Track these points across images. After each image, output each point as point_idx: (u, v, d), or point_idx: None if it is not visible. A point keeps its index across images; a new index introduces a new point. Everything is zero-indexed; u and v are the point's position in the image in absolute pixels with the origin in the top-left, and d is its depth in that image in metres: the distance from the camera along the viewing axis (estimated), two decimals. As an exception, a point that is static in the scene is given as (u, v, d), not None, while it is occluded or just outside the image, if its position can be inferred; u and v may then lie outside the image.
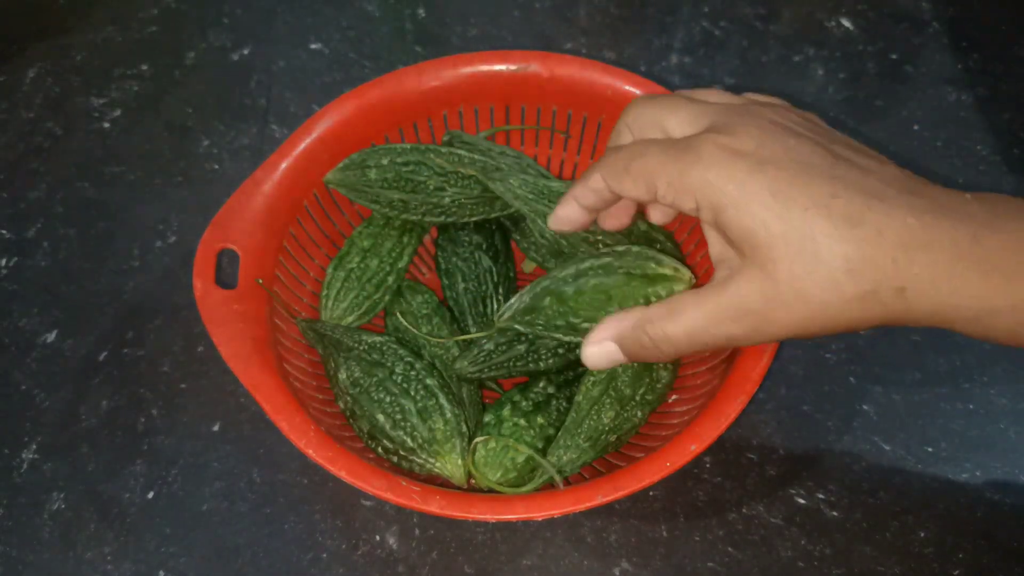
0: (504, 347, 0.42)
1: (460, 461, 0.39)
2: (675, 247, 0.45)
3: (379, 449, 0.40)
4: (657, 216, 0.41)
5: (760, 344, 0.32)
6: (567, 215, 0.38)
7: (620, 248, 0.38)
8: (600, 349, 0.35)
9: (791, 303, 0.30)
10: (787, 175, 0.30)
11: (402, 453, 0.39)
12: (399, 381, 0.40)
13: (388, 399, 0.40)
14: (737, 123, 0.32)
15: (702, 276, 0.47)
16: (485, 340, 0.43)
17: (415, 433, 0.39)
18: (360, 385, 0.41)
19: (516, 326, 0.39)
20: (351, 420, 0.41)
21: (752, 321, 0.31)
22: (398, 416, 0.39)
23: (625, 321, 0.35)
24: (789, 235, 0.29)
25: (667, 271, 0.36)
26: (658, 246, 0.43)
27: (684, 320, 0.32)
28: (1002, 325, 0.29)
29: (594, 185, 0.35)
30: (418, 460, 0.39)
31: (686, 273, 0.36)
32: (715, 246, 0.34)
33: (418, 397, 0.40)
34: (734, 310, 0.31)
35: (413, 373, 0.41)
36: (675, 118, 0.34)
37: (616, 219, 0.40)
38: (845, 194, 0.29)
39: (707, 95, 0.36)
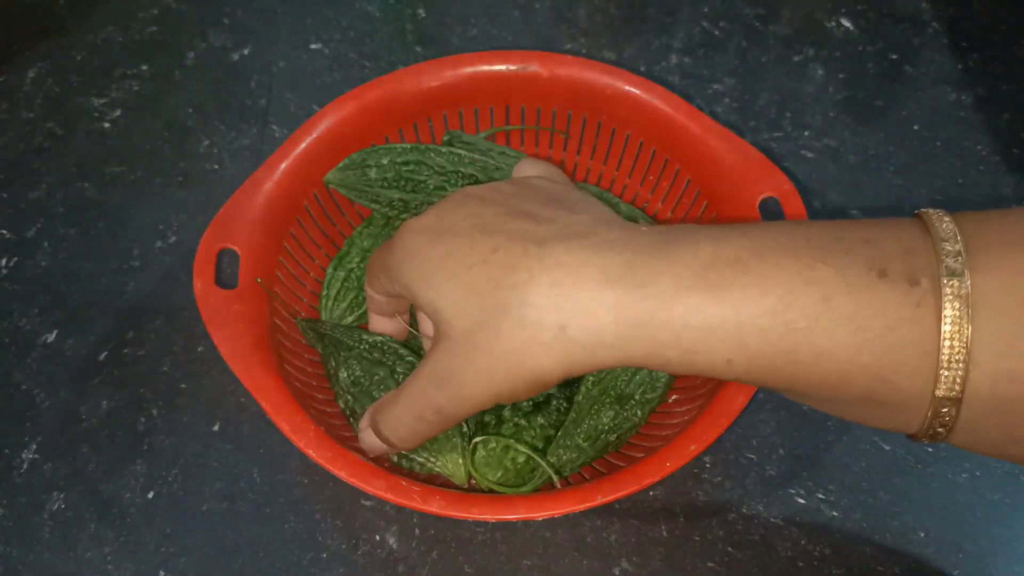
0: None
1: (461, 460, 0.39)
2: None
3: None
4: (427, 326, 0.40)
5: (471, 412, 0.31)
6: (383, 330, 0.42)
7: None
8: (367, 437, 0.37)
9: (474, 360, 0.29)
10: (459, 240, 0.30)
11: (403, 452, 0.39)
12: (400, 380, 0.40)
13: None
14: (442, 200, 0.33)
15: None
16: None
17: None
18: (360, 384, 0.40)
19: None
20: (351, 419, 0.41)
21: (448, 387, 0.30)
22: None
23: (371, 408, 0.36)
24: (457, 294, 0.29)
25: None
26: None
27: (403, 397, 0.33)
28: (673, 357, 0.28)
29: (368, 292, 0.39)
30: (419, 459, 0.39)
31: None
32: (427, 328, 0.36)
33: None
34: (432, 377, 0.31)
35: None
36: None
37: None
38: (505, 245, 0.29)
39: None
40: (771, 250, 0.27)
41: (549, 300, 0.28)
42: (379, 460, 0.39)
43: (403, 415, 0.33)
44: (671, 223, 0.49)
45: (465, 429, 0.40)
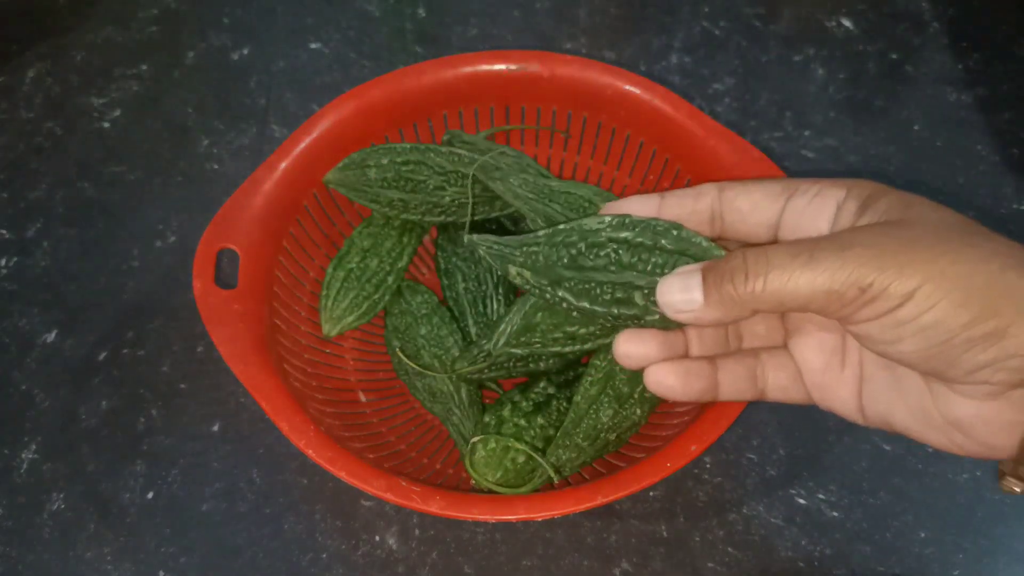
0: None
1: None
2: None
3: None
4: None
5: (868, 315, 0.26)
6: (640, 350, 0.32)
7: None
8: (682, 281, 0.29)
9: (930, 244, 0.26)
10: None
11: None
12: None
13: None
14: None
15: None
16: (485, 341, 0.43)
17: None
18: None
19: (513, 350, 0.39)
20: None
21: (856, 257, 0.26)
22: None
23: (732, 261, 0.28)
24: (945, 223, 0.26)
25: None
26: None
27: (795, 249, 0.27)
28: None
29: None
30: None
31: None
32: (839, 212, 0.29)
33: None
34: (838, 248, 0.26)
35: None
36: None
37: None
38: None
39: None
40: None
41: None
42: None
43: (787, 260, 0.27)
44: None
45: (464, 430, 0.40)
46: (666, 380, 0.31)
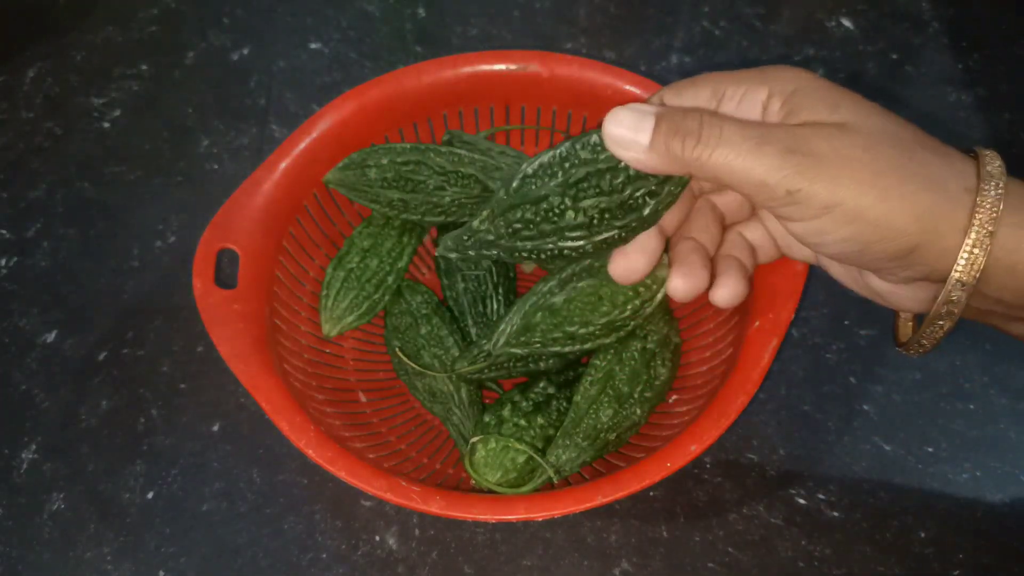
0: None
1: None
2: None
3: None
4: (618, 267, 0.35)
5: (797, 224, 0.29)
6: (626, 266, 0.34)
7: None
8: (634, 117, 0.29)
9: (862, 160, 0.28)
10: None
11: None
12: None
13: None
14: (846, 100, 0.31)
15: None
16: (485, 341, 0.43)
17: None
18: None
19: (513, 350, 0.39)
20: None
21: (811, 165, 0.28)
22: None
23: (682, 113, 0.30)
24: (872, 124, 0.28)
25: None
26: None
27: (748, 132, 0.28)
28: None
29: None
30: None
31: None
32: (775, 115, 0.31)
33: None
34: (795, 144, 0.28)
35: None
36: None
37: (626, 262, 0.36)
38: (924, 141, 0.29)
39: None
40: None
41: (956, 205, 0.28)
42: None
43: (735, 153, 0.28)
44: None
45: (464, 430, 0.40)
46: (736, 291, 0.34)
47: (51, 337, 0.50)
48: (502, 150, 0.47)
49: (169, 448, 0.46)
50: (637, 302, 0.37)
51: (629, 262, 0.34)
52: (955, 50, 0.61)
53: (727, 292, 0.34)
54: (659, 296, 0.37)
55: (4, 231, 0.54)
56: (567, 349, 0.38)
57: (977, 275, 0.28)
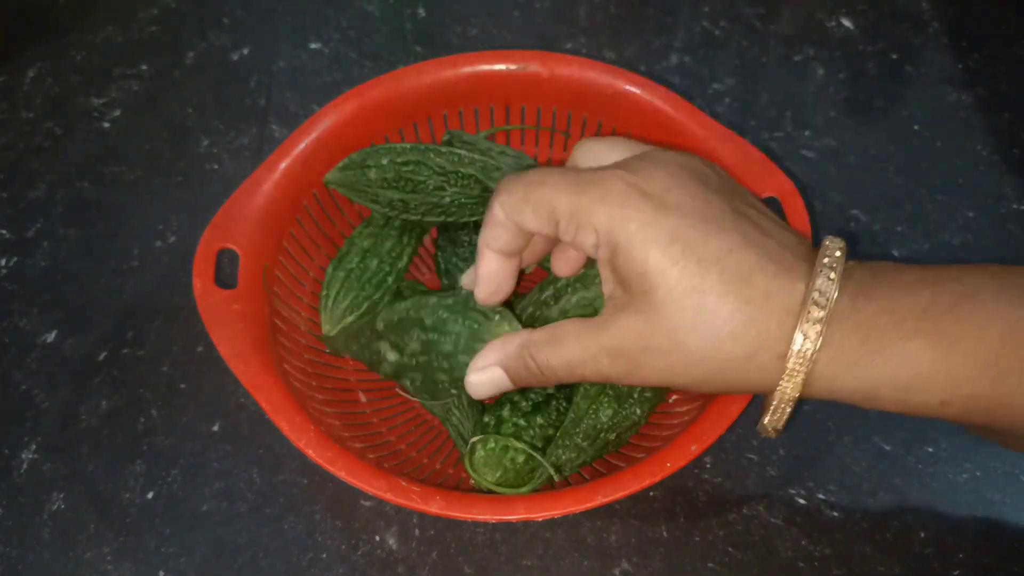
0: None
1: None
2: None
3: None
4: (560, 266, 0.38)
5: (634, 385, 0.32)
6: (489, 271, 0.35)
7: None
8: (485, 376, 0.34)
9: (667, 351, 0.30)
10: (689, 223, 0.29)
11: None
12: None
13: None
14: (648, 163, 0.31)
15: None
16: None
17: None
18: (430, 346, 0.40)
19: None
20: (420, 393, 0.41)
21: (625, 363, 0.31)
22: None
23: (510, 345, 0.34)
24: (680, 283, 0.29)
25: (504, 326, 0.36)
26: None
27: (564, 351, 0.32)
28: (885, 396, 0.29)
29: (497, 218, 0.33)
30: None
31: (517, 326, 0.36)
32: (608, 284, 0.33)
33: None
34: (611, 348, 0.31)
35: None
36: (613, 155, 0.34)
37: (566, 264, 0.38)
38: (740, 251, 0.29)
39: (622, 139, 0.35)
40: (983, 301, 0.28)
41: (777, 326, 0.28)
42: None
43: (559, 366, 0.32)
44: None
45: (463, 431, 0.40)
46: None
47: (51, 337, 0.50)
48: (502, 150, 0.47)
49: (169, 448, 0.46)
50: None
51: (492, 265, 0.35)
52: (955, 50, 0.61)
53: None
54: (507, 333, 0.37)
55: (4, 231, 0.54)
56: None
57: (796, 396, 0.30)
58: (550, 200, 0.31)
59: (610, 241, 0.30)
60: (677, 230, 0.29)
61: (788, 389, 0.29)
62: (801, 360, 0.28)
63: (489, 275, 0.35)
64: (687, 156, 0.33)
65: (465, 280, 0.39)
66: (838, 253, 0.29)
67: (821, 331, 0.28)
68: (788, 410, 0.30)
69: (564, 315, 0.37)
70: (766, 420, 0.32)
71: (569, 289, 0.38)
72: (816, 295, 0.28)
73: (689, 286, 0.29)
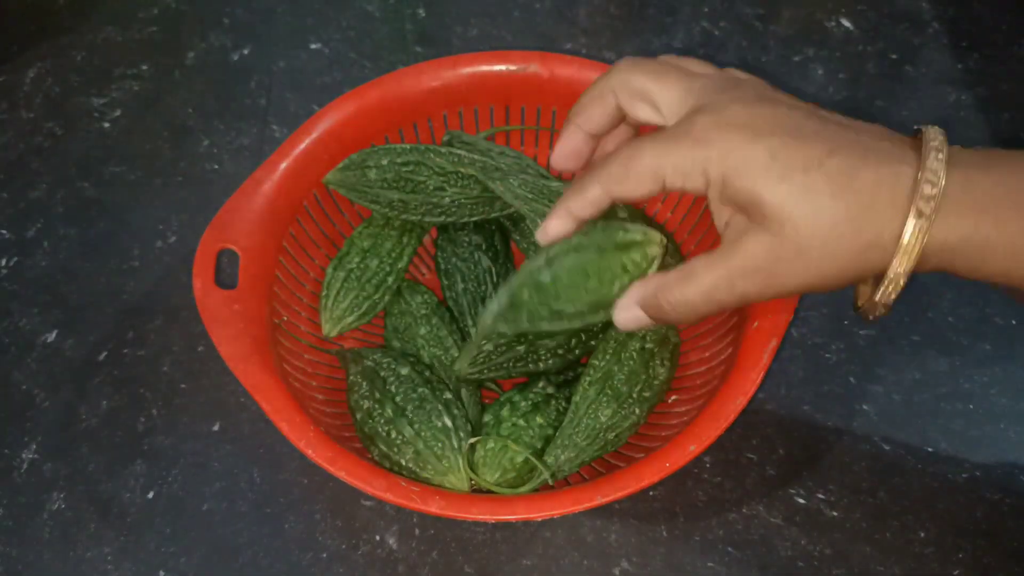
0: (503, 348, 0.42)
1: (463, 474, 0.39)
2: (675, 249, 0.45)
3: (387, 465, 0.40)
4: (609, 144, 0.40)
5: (772, 299, 0.34)
6: (558, 229, 0.37)
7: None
8: (628, 314, 0.36)
9: (796, 258, 0.31)
10: (782, 141, 0.31)
11: (408, 470, 0.40)
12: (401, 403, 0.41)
13: (392, 431, 0.40)
14: (725, 100, 0.33)
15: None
16: (485, 341, 0.43)
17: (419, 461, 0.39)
18: (401, 411, 0.41)
19: (500, 328, 0.38)
20: (372, 445, 0.41)
21: (762, 278, 0.32)
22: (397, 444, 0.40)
23: (647, 287, 0.35)
24: (791, 195, 0.31)
25: (637, 236, 0.36)
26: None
27: (699, 283, 0.33)
28: (997, 263, 0.31)
29: (593, 196, 0.35)
30: (424, 476, 0.39)
31: (656, 235, 0.36)
32: (721, 216, 0.35)
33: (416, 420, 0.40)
34: (745, 269, 0.32)
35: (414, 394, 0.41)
36: (666, 94, 0.35)
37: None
38: (839, 151, 0.31)
39: (689, 64, 0.36)
40: None
41: (891, 209, 0.30)
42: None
43: (696, 298, 0.34)
44: (671, 223, 0.49)
45: (463, 435, 0.40)
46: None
47: (51, 337, 0.50)
48: (502, 150, 0.47)
49: (169, 448, 0.46)
50: (625, 279, 0.36)
51: (565, 226, 0.37)
52: (955, 50, 0.61)
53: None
54: (649, 274, 0.37)
55: (4, 231, 0.54)
56: (553, 327, 0.37)
57: (911, 270, 0.31)
58: (649, 166, 0.33)
59: (717, 179, 0.32)
60: (775, 150, 0.31)
61: (904, 265, 0.31)
62: (917, 236, 0.30)
63: (558, 233, 0.37)
64: (753, 78, 0.35)
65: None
66: (941, 136, 0.31)
67: (936, 207, 0.30)
68: (901, 284, 0.32)
69: (556, 281, 0.37)
70: (878, 296, 0.33)
71: (562, 255, 0.37)
72: (928, 174, 0.30)
73: (800, 196, 0.31)
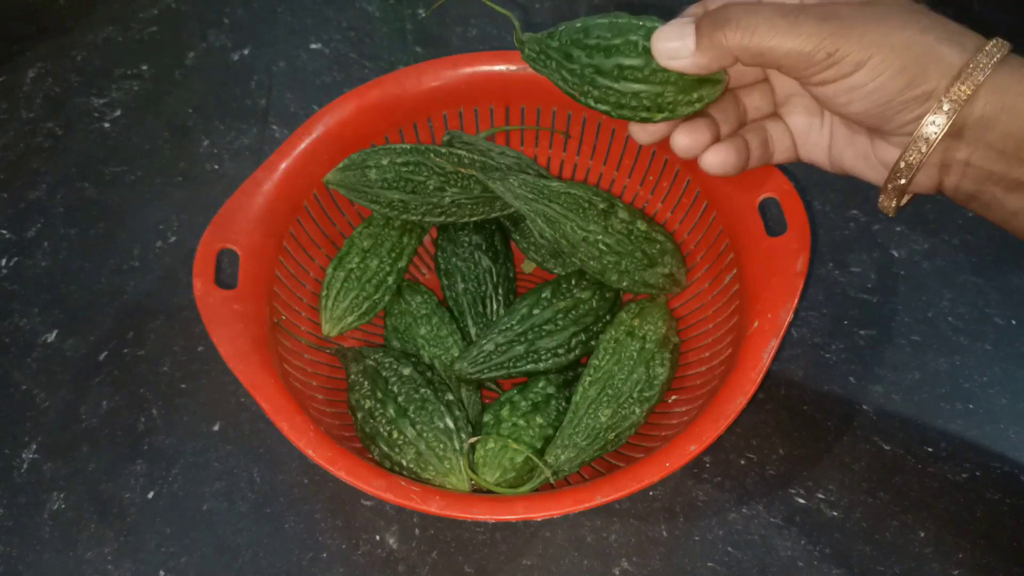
0: (504, 348, 0.43)
1: (464, 475, 0.39)
2: (675, 248, 0.45)
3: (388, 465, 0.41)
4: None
5: (815, 79, 0.33)
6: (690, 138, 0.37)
7: None
8: (675, 42, 0.34)
9: (876, 22, 0.32)
10: (884, 11, 0.32)
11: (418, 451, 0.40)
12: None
13: (395, 432, 0.40)
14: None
15: (696, 273, 0.47)
16: (485, 341, 0.43)
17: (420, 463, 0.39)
18: (402, 410, 0.41)
19: (559, 74, 0.37)
20: (373, 444, 0.41)
21: (832, 28, 0.32)
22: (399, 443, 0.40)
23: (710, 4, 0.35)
24: (875, 15, 0.32)
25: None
26: (658, 247, 0.43)
27: (783, 10, 0.33)
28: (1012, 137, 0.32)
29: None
30: (425, 476, 0.39)
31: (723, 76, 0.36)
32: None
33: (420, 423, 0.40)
34: (818, 10, 0.32)
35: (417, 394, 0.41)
36: None
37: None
38: (923, 17, 0.32)
39: None
40: None
41: (942, 66, 0.31)
42: None
43: (755, 22, 0.33)
44: (671, 223, 0.49)
45: (465, 436, 0.40)
46: (726, 158, 0.38)
47: (51, 337, 0.50)
48: (502, 150, 0.47)
49: (169, 448, 0.46)
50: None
51: (693, 135, 0.37)
52: (955, 50, 0.61)
53: (715, 156, 0.38)
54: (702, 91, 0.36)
55: (4, 231, 0.54)
56: (607, 81, 0.36)
57: (966, 97, 0.31)
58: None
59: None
60: (879, 13, 0.32)
61: (938, 123, 0.32)
62: (955, 100, 0.31)
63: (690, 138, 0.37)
64: None
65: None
66: (1008, 46, 0.32)
67: (981, 81, 0.31)
68: (930, 148, 0.33)
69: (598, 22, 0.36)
70: (910, 159, 0.33)
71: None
72: (982, 55, 0.31)
73: (881, 19, 0.32)
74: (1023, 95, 0.31)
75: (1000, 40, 0.32)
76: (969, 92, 0.31)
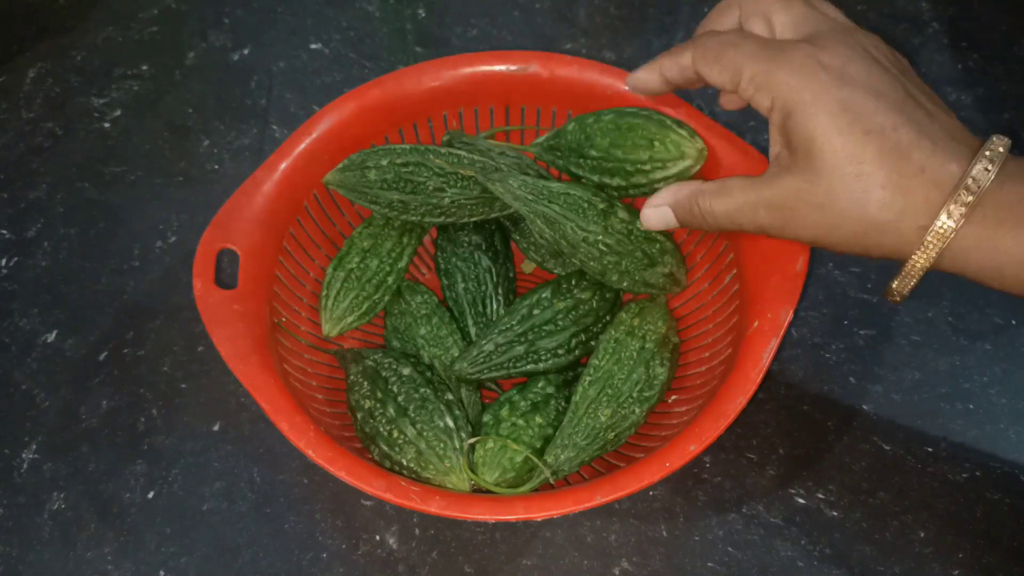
0: (503, 348, 0.43)
1: (464, 474, 0.39)
2: (675, 248, 0.45)
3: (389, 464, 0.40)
4: (728, 101, 0.42)
5: (785, 239, 0.35)
6: (646, 79, 0.41)
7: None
8: (657, 212, 0.39)
9: (821, 210, 0.33)
10: (860, 97, 0.32)
11: (410, 469, 0.40)
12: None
13: (395, 432, 0.40)
14: (833, 40, 0.34)
15: (696, 273, 0.47)
16: (484, 341, 0.43)
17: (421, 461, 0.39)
18: (403, 410, 0.41)
19: (545, 154, 0.45)
20: (373, 444, 0.41)
21: (783, 216, 0.34)
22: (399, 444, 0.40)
23: (682, 191, 0.38)
24: (843, 150, 0.32)
25: (684, 132, 0.41)
26: (658, 246, 0.43)
27: (730, 200, 0.36)
28: (1011, 274, 0.31)
29: (683, 63, 0.38)
30: (425, 476, 0.39)
31: (700, 143, 0.41)
32: (775, 146, 0.36)
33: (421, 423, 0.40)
34: (771, 202, 0.34)
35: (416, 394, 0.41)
36: (786, 15, 0.36)
37: (730, 103, 0.42)
38: (904, 128, 0.31)
39: (821, 4, 0.37)
40: None
41: (924, 201, 0.31)
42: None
43: (722, 212, 0.36)
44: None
45: (464, 436, 0.40)
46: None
47: (51, 337, 0.50)
48: (502, 150, 0.47)
49: (169, 448, 0.46)
50: (650, 154, 0.42)
51: (651, 78, 0.41)
52: (955, 50, 0.61)
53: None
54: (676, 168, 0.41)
55: (4, 231, 0.54)
56: (576, 170, 0.44)
57: (927, 267, 0.32)
58: (739, 63, 0.35)
59: (784, 106, 0.33)
60: (848, 102, 0.32)
61: (921, 260, 0.32)
62: (940, 237, 0.31)
63: (643, 81, 0.42)
64: (872, 37, 0.36)
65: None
66: (1002, 149, 0.31)
67: (965, 214, 0.30)
68: (917, 279, 0.33)
69: (599, 121, 0.43)
70: (895, 284, 0.34)
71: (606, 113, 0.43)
72: (970, 181, 0.30)
73: (850, 154, 0.32)
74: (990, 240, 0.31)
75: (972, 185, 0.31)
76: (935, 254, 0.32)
